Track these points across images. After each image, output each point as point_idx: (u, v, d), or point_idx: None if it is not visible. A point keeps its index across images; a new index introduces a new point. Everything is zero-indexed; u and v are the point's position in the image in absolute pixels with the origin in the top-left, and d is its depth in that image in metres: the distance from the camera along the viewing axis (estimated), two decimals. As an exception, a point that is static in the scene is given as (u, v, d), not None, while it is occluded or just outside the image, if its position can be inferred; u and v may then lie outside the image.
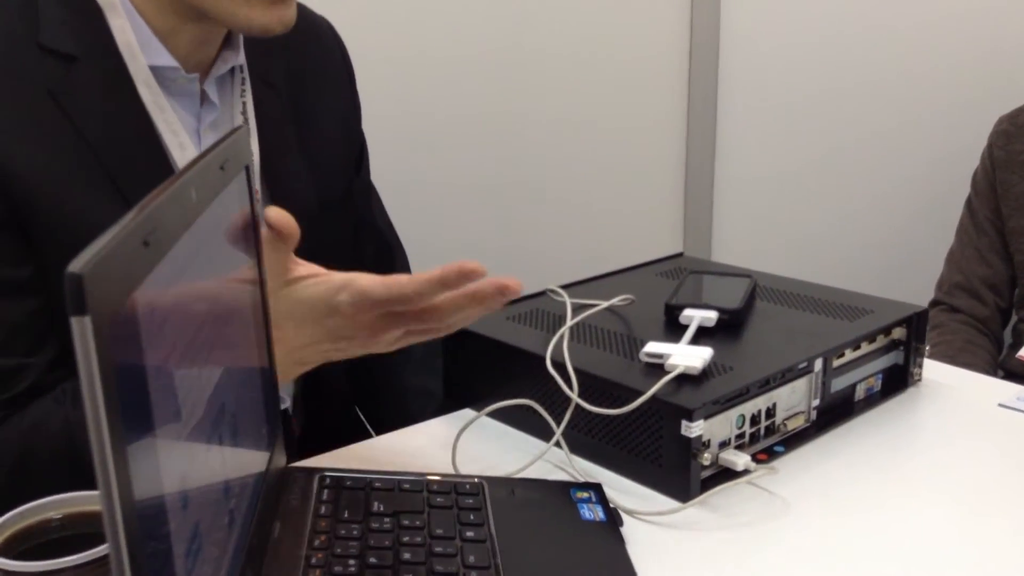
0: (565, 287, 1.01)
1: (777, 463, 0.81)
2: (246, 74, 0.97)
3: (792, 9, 1.81)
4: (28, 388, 0.83)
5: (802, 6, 1.81)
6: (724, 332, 0.90)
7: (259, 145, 0.98)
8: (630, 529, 0.71)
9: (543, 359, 0.84)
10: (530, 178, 1.79)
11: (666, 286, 1.01)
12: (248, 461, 0.61)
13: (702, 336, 0.88)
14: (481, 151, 1.74)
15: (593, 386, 0.81)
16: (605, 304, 0.97)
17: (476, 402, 0.90)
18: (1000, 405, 0.92)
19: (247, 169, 0.65)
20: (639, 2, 1.78)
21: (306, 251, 1.02)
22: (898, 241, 1.91)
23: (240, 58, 0.96)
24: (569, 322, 0.91)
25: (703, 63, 1.82)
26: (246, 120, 0.97)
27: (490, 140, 1.75)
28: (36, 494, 0.60)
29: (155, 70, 0.88)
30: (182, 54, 0.90)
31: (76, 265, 0.32)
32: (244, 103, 0.97)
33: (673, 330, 0.90)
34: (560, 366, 0.83)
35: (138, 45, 0.87)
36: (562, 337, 0.87)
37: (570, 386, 0.81)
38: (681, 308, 0.92)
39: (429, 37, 1.63)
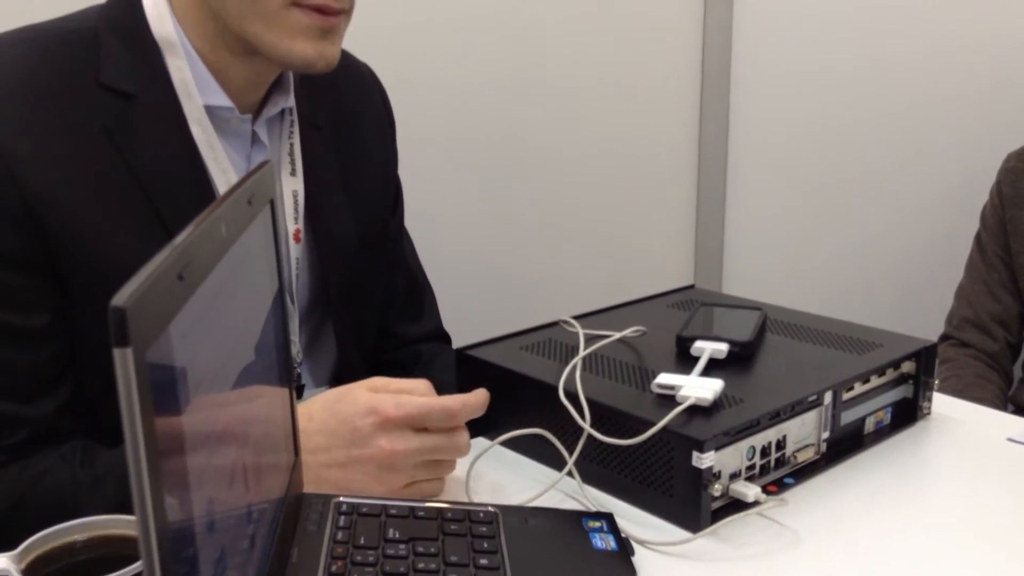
0: (578, 318, 1.02)
1: (787, 495, 0.82)
2: (295, 116, 0.99)
3: (803, 42, 1.83)
4: (30, 438, 0.84)
5: (813, 38, 1.83)
6: (735, 364, 0.91)
7: (304, 185, 1.00)
8: (641, 559, 0.72)
9: (556, 389, 0.85)
10: (542, 208, 1.81)
11: (677, 318, 1.03)
12: (269, 486, 0.62)
13: (713, 368, 0.89)
14: (493, 181, 1.76)
15: (605, 416, 0.82)
16: (617, 335, 0.98)
17: (489, 431, 0.91)
18: (1009, 439, 0.93)
19: (272, 203, 0.66)
20: (650, 31, 1.80)
21: (344, 287, 1.04)
22: (907, 275, 1.91)
23: (290, 100, 0.98)
24: (582, 352, 0.92)
25: (715, 93, 1.84)
26: (293, 161, 0.99)
27: (501, 171, 1.76)
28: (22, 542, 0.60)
29: (210, 110, 0.90)
30: (235, 95, 0.92)
31: (119, 299, 0.34)
32: (292, 144, 0.99)
33: (684, 362, 0.91)
34: (573, 396, 0.84)
35: (195, 84, 0.89)
36: (575, 367, 0.88)
37: (582, 416, 0.82)
38: (692, 340, 0.93)
39: (441, 60, 1.64)
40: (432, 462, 0.81)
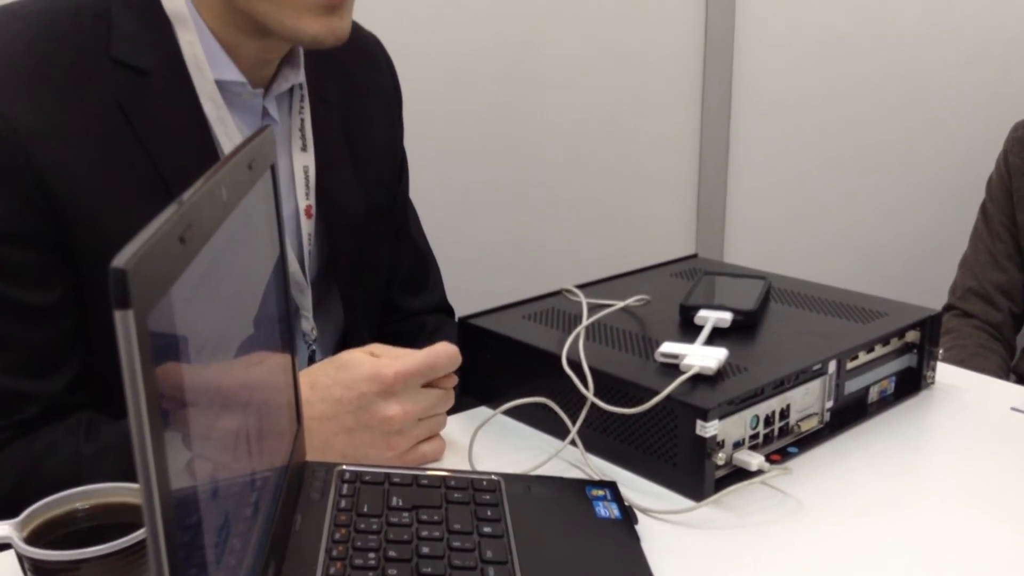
0: (581, 287, 1.02)
1: (791, 464, 0.82)
2: (305, 91, 0.99)
3: (807, 11, 1.81)
4: (40, 414, 0.84)
5: (817, 8, 1.81)
6: (739, 333, 0.90)
7: (315, 160, 1.00)
8: (645, 527, 0.72)
9: (559, 358, 0.85)
10: (545, 179, 1.80)
11: (681, 287, 1.02)
12: (272, 454, 0.62)
13: (717, 337, 0.89)
14: (496, 152, 1.75)
15: (608, 385, 0.81)
16: (620, 304, 0.97)
17: (492, 400, 0.91)
18: (1013, 409, 0.93)
19: (272, 168, 0.66)
20: (654, 2, 1.79)
21: (352, 260, 1.04)
22: (911, 245, 1.91)
23: (300, 76, 0.97)
24: (585, 321, 0.92)
25: (717, 64, 1.83)
26: (304, 137, 0.98)
27: (504, 141, 1.75)
28: None
29: (221, 85, 0.89)
30: (247, 70, 0.91)
31: (120, 260, 0.33)
32: (303, 120, 0.99)
33: (688, 331, 0.90)
34: (576, 365, 0.83)
35: (206, 59, 0.88)
36: (578, 336, 0.88)
37: (586, 385, 0.82)
38: (696, 309, 0.92)
39: (445, 37, 1.64)
40: (428, 418, 0.82)
